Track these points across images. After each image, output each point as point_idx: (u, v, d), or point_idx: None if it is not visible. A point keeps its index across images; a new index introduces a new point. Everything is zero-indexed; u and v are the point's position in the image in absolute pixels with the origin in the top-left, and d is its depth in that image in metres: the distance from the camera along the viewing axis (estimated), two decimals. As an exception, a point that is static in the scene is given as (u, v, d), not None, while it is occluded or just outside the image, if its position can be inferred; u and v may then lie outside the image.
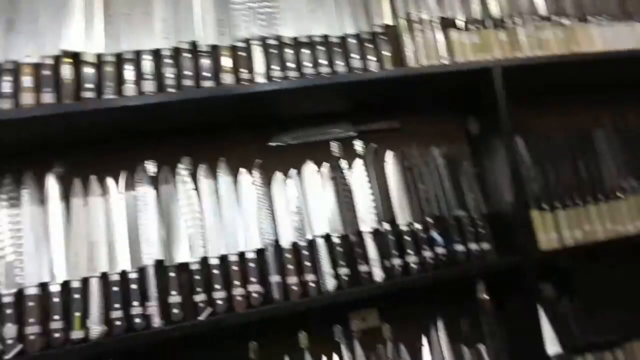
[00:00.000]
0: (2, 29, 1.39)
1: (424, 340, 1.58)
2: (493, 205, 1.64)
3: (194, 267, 1.40)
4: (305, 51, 1.57)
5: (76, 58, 1.41)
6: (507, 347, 1.61)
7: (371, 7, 1.67)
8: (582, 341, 1.67)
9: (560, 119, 1.84)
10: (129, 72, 1.43)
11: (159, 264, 1.38)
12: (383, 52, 1.63)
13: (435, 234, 1.58)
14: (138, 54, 1.46)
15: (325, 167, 1.60)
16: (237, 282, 1.40)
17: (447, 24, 1.71)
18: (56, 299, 1.29)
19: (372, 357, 1.54)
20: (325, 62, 1.57)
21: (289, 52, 1.56)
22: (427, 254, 1.55)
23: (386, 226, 1.56)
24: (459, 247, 1.58)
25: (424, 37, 1.67)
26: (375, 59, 1.62)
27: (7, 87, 1.34)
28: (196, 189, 1.47)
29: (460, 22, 1.71)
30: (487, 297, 1.61)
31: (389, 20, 1.68)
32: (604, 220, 1.70)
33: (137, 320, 1.31)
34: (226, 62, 1.52)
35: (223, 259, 1.42)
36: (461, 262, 1.56)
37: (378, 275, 1.50)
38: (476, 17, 1.73)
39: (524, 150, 1.75)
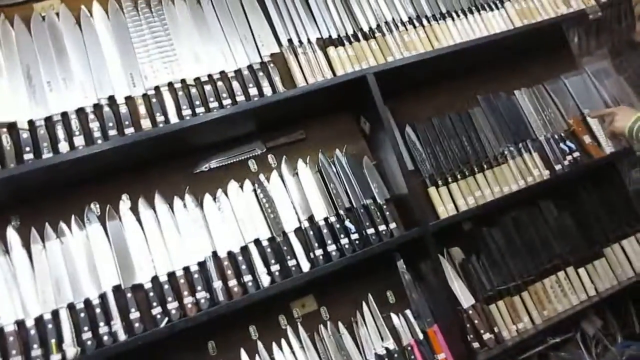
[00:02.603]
0: (-59, 114, 1.79)
1: (358, 315, 2.04)
2: (394, 190, 2.12)
3: (147, 285, 1.81)
4: (208, 87, 2.03)
5: (12, 127, 1.81)
6: (429, 308, 2.07)
7: (258, 40, 2.14)
8: (493, 291, 2.14)
9: (441, 105, 2.37)
10: (60, 132, 1.83)
11: (116, 288, 1.79)
12: (274, 77, 2.10)
13: (348, 223, 2.03)
14: (64, 114, 1.87)
15: (247, 183, 2.04)
16: (185, 292, 1.82)
17: (325, 43, 2.21)
18: (33, 331, 1.68)
19: (315, 337, 1.98)
20: (226, 95, 2.02)
21: (193, 91, 2.01)
22: (344, 241, 1.99)
23: (306, 224, 2.02)
24: (370, 231, 2.02)
25: (307, 58, 2.16)
26: (268, 84, 2.08)
27: (-44, 161, 1.73)
28: (138, 219, 1.89)
29: (335, 39, 2.22)
30: (405, 269, 2.11)
31: (275, 49, 2.16)
32: (492, 185, 2.23)
33: (105, 337, 1.72)
34: (142, 109, 1.94)
35: (171, 275, 1.84)
36: (374, 243, 2.00)
37: (305, 266, 1.94)
38: (349, 32, 2.24)
39: (414, 136, 2.29)
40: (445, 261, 2.14)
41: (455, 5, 2.40)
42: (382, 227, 2.05)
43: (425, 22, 2.33)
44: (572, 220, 2.34)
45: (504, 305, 2.13)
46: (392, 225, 2.07)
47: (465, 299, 2.11)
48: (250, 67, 2.11)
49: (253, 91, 2.07)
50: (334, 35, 2.24)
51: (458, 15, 2.37)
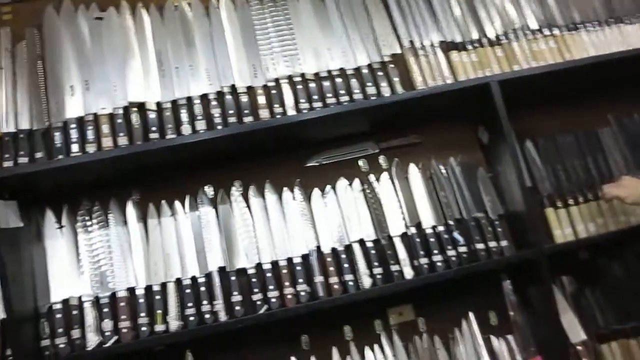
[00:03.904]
0: (81, 89, 1.92)
1: (456, 332, 1.95)
2: (509, 206, 2.01)
3: (251, 271, 1.84)
4: (326, 83, 2.05)
5: (141, 107, 1.92)
6: (534, 337, 1.93)
7: (379, 39, 2.13)
8: (607, 330, 1.96)
9: (567, 121, 2.20)
10: (184, 115, 1.92)
11: (222, 270, 1.84)
12: (393, 77, 2.08)
13: (456, 235, 1.97)
14: (189, 99, 1.96)
15: (356, 181, 2.03)
16: (287, 283, 1.84)
17: (448, 46, 2.15)
18: (141, 300, 1.77)
19: (409, 347, 1.92)
20: (344, 92, 2.03)
21: (312, 85, 2.03)
22: (451, 252, 1.93)
23: (413, 230, 1.97)
24: (479, 246, 1.95)
25: (428, 61, 2.12)
26: (386, 84, 2.06)
27: (90, 135, 1.85)
28: (248, 206, 1.93)
29: (458, 44, 2.16)
30: (512, 290, 1.98)
31: (396, 49, 2.14)
32: (616, 212, 2.05)
33: (207, 315, 1.77)
34: (261, 99, 2.00)
35: (274, 264, 1.87)
36: (482, 259, 1.92)
37: (408, 273, 1.89)
38: (473, 37, 2.17)
39: (535, 152, 2.16)
40: (557, 290, 2.00)
41: (590, 16, 2.25)
42: (492, 244, 1.96)
43: (556, 31, 2.20)
44: None
45: (618, 347, 1.95)
46: (504, 243, 1.97)
47: (575, 333, 1.94)
48: (369, 66, 2.10)
49: (371, 90, 2.06)
50: (458, 40, 2.17)
51: (593, 27, 2.22)
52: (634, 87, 2.28)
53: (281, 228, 1.92)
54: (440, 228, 1.98)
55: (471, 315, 1.95)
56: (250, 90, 2.01)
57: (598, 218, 2.04)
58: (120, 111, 1.91)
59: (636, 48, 2.14)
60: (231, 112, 1.96)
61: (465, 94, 1.99)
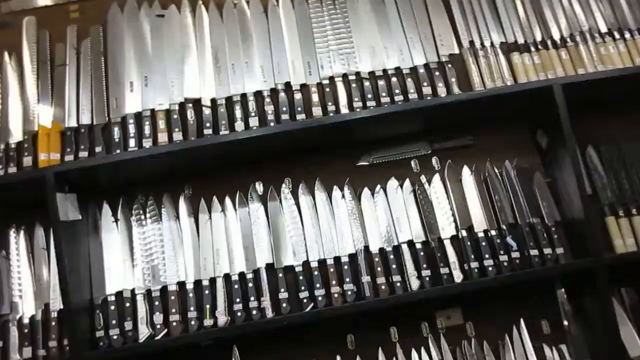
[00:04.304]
0: (139, 85, 1.96)
1: (507, 339, 1.88)
2: (567, 213, 1.92)
3: (298, 269, 1.84)
4: (381, 82, 2.01)
5: (196, 103, 1.94)
6: (588, 348, 1.85)
7: (438, 39, 2.07)
8: None
9: (633, 129, 2.08)
10: (238, 112, 1.93)
11: (269, 267, 1.84)
12: (450, 78, 2.02)
13: (509, 240, 1.90)
14: (244, 96, 1.96)
15: (407, 182, 1.99)
16: (334, 282, 1.82)
17: (509, 48, 2.07)
18: (191, 294, 1.79)
19: (457, 352, 1.87)
20: (398, 91, 1.99)
21: (367, 84, 2.00)
22: (503, 258, 1.86)
23: (464, 233, 1.92)
24: (533, 252, 1.87)
25: (487, 62, 2.04)
26: (443, 84, 2.01)
27: (147, 130, 1.89)
28: (297, 204, 1.92)
29: (520, 45, 2.07)
30: (566, 299, 1.91)
31: (454, 50, 2.07)
32: None
33: (254, 312, 1.77)
34: (315, 97, 1.98)
35: (322, 262, 1.85)
36: (536, 266, 1.85)
37: (457, 276, 1.84)
38: (537, 39, 2.09)
39: (597, 159, 2.05)
40: (615, 302, 1.89)
41: (664, 21, 2.11)
42: (547, 250, 1.88)
43: (627, 35, 2.08)
44: None
45: (681, 365, 1.84)
46: (559, 250, 1.89)
47: (633, 347, 1.86)
48: (426, 65, 2.05)
49: (427, 90, 2.01)
50: (520, 41, 2.09)
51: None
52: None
53: (330, 227, 1.90)
54: (493, 232, 1.91)
55: (522, 322, 1.88)
56: (304, 87, 2.00)
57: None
58: (176, 107, 1.93)
59: None
60: (284, 109, 1.95)
61: (525, 96, 1.91)
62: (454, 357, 1.86)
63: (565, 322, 1.89)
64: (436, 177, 2.00)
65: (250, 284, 1.81)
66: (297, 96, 1.98)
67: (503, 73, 2.03)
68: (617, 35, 2.08)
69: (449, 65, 2.05)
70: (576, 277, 1.84)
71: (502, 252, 1.88)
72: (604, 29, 2.10)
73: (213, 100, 1.96)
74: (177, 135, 1.89)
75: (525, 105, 1.97)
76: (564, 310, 1.90)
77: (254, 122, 1.92)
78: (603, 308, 1.78)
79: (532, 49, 2.07)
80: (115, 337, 1.74)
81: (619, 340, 1.81)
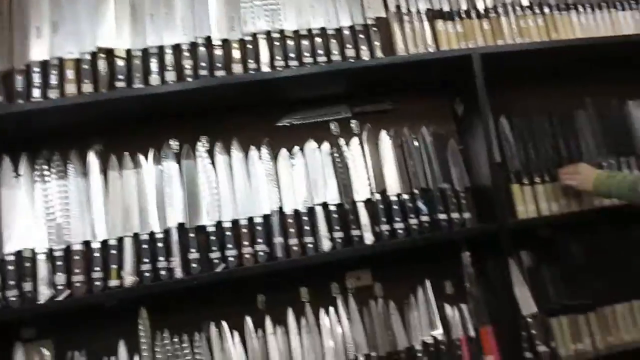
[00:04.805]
0: (48, 31, 1.79)
1: (411, 298, 1.94)
2: (476, 180, 1.97)
3: (210, 229, 1.79)
4: (305, 42, 1.93)
5: (109, 53, 1.81)
6: (487, 307, 1.93)
7: (365, 1, 2.01)
8: (557, 304, 1.96)
9: (545, 101, 2.12)
10: (153, 65, 1.82)
11: (181, 226, 1.78)
12: (374, 41, 1.97)
13: (420, 204, 1.93)
14: (161, 48, 1.84)
15: (325, 144, 1.96)
16: (246, 243, 1.79)
17: (434, 15, 2.04)
18: (97, 254, 1.71)
19: (364, 311, 1.91)
20: (322, 52, 1.93)
21: (290, 43, 1.93)
22: (413, 221, 1.89)
23: (377, 196, 1.91)
24: (442, 216, 1.91)
25: (412, 28, 2.01)
26: (367, 48, 1.96)
27: (54, 80, 1.75)
28: (212, 163, 1.85)
29: (445, 13, 2.04)
30: (470, 262, 1.96)
31: (380, 13, 2.02)
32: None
33: (163, 272, 1.72)
34: (236, 53, 1.89)
35: (235, 222, 1.81)
36: (443, 229, 1.89)
37: (368, 238, 1.86)
38: (462, 7, 2.06)
39: (508, 129, 2.08)
40: (513, 264, 1.96)
41: (583, -2, 2.13)
42: (455, 215, 1.93)
43: (547, 10, 2.09)
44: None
45: (566, 322, 1.95)
46: (467, 215, 1.95)
47: (527, 306, 1.94)
48: (352, 27, 2.00)
49: (350, 52, 1.97)
50: (446, 9, 2.07)
51: (585, 9, 2.10)
52: (616, 73, 2.19)
53: (245, 187, 1.86)
54: (405, 196, 1.93)
55: (427, 282, 1.94)
56: (226, 43, 1.91)
57: (562, 198, 2.00)
58: (88, 57, 1.80)
59: (624, 35, 2.07)
60: (203, 64, 1.86)
61: (446, 63, 1.91)
62: (361, 316, 1.89)
63: (467, 284, 1.96)
64: (354, 141, 1.99)
65: (160, 244, 1.74)
66: (218, 52, 1.88)
67: (426, 40, 2.01)
68: (537, 10, 2.08)
69: (374, 29, 2.01)
70: (480, 240, 1.89)
71: (412, 215, 1.90)
72: (525, 2, 2.10)
73: (128, 51, 1.83)
74: (87, 87, 1.76)
75: (446, 73, 1.97)
76: (467, 272, 1.96)
77: (170, 76, 1.82)
78: (502, 270, 1.85)
79: (456, 17, 2.04)
80: (13, 298, 1.63)
81: (514, 299, 1.88)
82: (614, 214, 1.95)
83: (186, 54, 1.85)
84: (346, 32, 1.98)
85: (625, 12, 2.12)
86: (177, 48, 1.86)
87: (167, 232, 1.77)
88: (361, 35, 1.98)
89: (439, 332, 1.90)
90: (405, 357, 1.85)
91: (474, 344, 1.89)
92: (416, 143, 2.00)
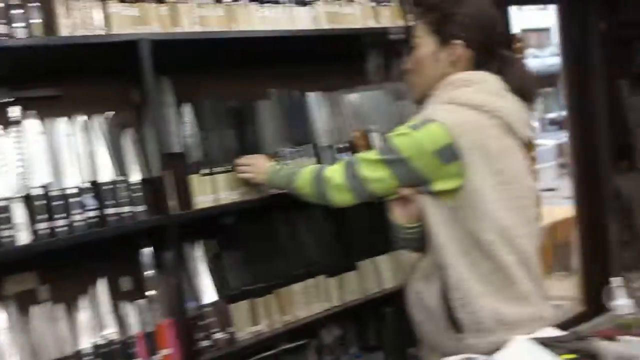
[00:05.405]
0: None
1: (83, 300, 1.79)
2: (153, 171, 1.87)
3: None
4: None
5: None
6: (167, 300, 1.86)
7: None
8: (237, 290, 2.00)
9: (229, 90, 2.11)
10: None
11: None
12: (34, 19, 1.74)
13: (87, 198, 1.75)
14: None
15: (-25, 132, 1.69)
16: None
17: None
18: None
19: (28, 318, 1.71)
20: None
21: None
22: (77, 217, 1.71)
23: (37, 191, 1.69)
24: (112, 210, 1.77)
25: (80, 6, 1.83)
26: (24, 25, 1.71)
27: None
28: None
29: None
30: (148, 256, 1.88)
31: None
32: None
33: None
34: None
35: None
36: (111, 224, 1.75)
37: (25, 238, 1.64)
38: (139, -9, 1.94)
39: (189, 118, 2.03)
40: (195, 254, 1.95)
41: (265, -9, 2.16)
42: (127, 208, 1.81)
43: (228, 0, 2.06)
44: (335, 231, 2.26)
45: (246, 306, 1.99)
46: (140, 208, 1.83)
47: (207, 295, 1.95)
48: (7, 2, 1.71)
49: (3, 29, 1.68)
50: (118, -9, 1.90)
51: (263, 2, 2.12)
52: (298, 65, 2.30)
53: None
54: (71, 191, 1.74)
55: (99, 281, 1.83)
56: None
57: (242, 186, 2.02)
58: None
59: (300, 30, 2.13)
60: None
61: (113, 49, 1.78)
62: (25, 323, 1.70)
63: (146, 280, 1.89)
64: (12, 129, 1.74)
65: None
66: None
67: (94, 21, 1.83)
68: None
69: (36, 3, 1.76)
70: (156, 233, 1.82)
71: (77, 210, 1.73)
72: (207, -8, 2.05)
73: None
74: None
75: (118, 59, 1.85)
76: (143, 267, 1.89)
77: None
78: (177, 261, 1.83)
79: (132, 0, 1.90)
80: None
81: (194, 289, 1.92)
82: (285, 199, 2.02)
83: None
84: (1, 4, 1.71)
85: (304, 7, 2.17)
86: None
87: None
88: (20, 10, 1.73)
89: (110, 331, 1.78)
90: (72, 362, 1.70)
91: (150, 339, 1.82)
92: (87, 132, 1.83)
